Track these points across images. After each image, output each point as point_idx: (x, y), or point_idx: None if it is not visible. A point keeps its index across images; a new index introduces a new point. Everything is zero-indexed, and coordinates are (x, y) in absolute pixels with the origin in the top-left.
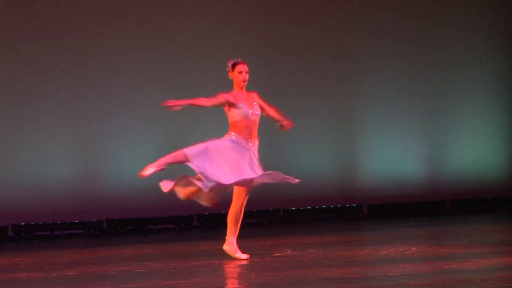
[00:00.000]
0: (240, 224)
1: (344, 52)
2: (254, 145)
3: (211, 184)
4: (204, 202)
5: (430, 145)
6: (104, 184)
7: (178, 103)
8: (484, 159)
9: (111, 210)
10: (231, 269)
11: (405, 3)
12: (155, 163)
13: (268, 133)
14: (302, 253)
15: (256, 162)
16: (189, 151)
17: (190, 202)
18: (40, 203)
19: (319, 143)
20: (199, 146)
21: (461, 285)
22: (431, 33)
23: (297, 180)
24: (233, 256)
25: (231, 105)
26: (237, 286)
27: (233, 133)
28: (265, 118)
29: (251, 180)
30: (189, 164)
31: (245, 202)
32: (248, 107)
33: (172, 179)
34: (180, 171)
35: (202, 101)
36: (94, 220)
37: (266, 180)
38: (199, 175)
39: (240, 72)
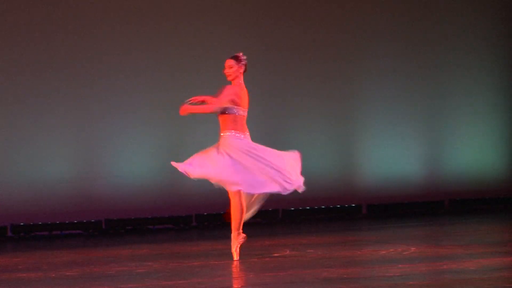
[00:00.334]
0: (243, 217)
1: (342, 52)
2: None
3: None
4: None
5: (429, 145)
6: (103, 184)
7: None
8: (483, 159)
9: (110, 210)
10: (230, 269)
11: (404, 3)
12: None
13: (266, 132)
14: (301, 253)
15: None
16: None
17: (189, 201)
18: (39, 203)
19: (318, 143)
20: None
21: (460, 285)
22: (430, 33)
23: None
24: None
25: None
26: (236, 286)
27: (232, 131)
28: (250, 116)
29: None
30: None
31: (241, 194)
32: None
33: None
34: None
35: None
36: (93, 220)
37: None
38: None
39: (225, 68)
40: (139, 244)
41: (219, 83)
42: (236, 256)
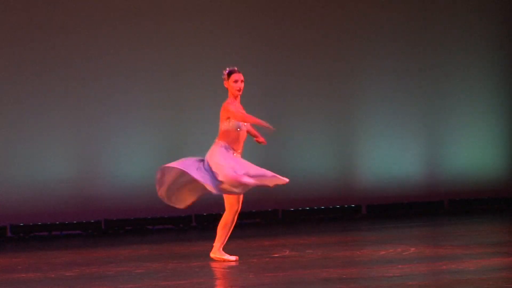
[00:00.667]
0: (230, 233)
1: (342, 52)
2: (238, 155)
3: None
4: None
5: (429, 145)
6: (102, 184)
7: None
8: (483, 159)
9: (110, 211)
10: (229, 270)
11: (404, 3)
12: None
13: (266, 133)
14: (300, 254)
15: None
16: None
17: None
18: (39, 204)
19: (317, 143)
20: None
21: (460, 285)
22: (429, 33)
23: (286, 180)
24: (222, 259)
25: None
26: (235, 286)
27: (221, 142)
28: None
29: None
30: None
31: (239, 210)
32: None
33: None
34: None
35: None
36: (92, 221)
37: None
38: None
39: (236, 81)
40: (138, 244)
41: (219, 83)
42: (232, 256)
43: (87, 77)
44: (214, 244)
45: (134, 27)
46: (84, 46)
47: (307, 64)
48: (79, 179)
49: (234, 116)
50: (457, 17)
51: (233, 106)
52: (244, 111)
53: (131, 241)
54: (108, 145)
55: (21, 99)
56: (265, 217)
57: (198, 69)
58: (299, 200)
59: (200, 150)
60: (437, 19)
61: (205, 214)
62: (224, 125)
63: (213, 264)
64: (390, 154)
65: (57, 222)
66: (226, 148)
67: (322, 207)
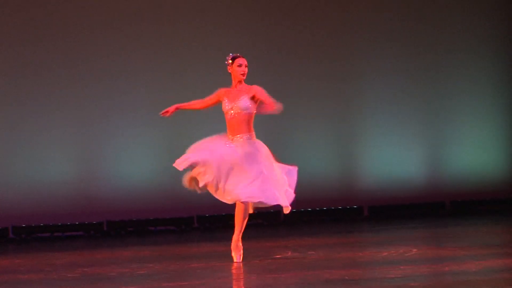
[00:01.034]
0: (246, 222)
1: (343, 53)
2: (238, 141)
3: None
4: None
5: (430, 146)
6: (104, 185)
7: (170, 110)
8: (484, 160)
9: (112, 212)
10: (231, 271)
11: (406, 4)
12: None
13: (267, 134)
14: (302, 255)
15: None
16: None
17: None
18: (40, 205)
19: (319, 144)
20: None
21: (462, 286)
22: (431, 35)
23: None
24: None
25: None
26: None
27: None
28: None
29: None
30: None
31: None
32: (230, 102)
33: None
34: None
35: (196, 104)
36: (94, 222)
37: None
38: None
39: (240, 65)
40: (140, 245)
41: (220, 83)
42: (236, 257)
43: (88, 78)
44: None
45: (135, 28)
46: (85, 48)
47: (308, 65)
48: (81, 180)
49: (270, 102)
50: (458, 18)
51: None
52: (216, 94)
53: (133, 242)
54: (110, 146)
55: (22, 101)
56: (267, 218)
57: (199, 70)
58: (301, 201)
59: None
60: (437, 20)
61: (207, 215)
62: (251, 111)
63: (215, 266)
64: (392, 155)
65: (59, 223)
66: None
67: (324, 208)
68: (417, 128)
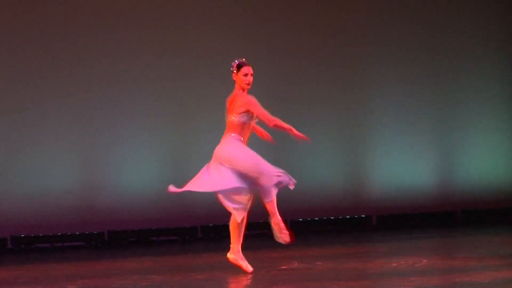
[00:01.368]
0: (244, 231)
1: (351, 60)
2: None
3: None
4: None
5: (440, 154)
6: (106, 194)
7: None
8: (496, 168)
9: (113, 222)
10: (236, 282)
11: (415, 10)
12: None
13: (275, 141)
14: (309, 266)
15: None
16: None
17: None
18: (40, 214)
19: (326, 152)
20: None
21: None
22: (441, 41)
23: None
24: (238, 264)
25: None
26: None
27: (236, 135)
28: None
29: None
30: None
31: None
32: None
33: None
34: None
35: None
36: (95, 232)
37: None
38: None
39: (246, 75)
40: (142, 256)
41: (223, 90)
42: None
43: (90, 86)
44: (231, 246)
45: (139, 34)
46: (88, 55)
47: (315, 71)
48: (82, 189)
49: (263, 114)
50: (468, 25)
51: (259, 104)
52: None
53: (135, 253)
54: (112, 154)
55: (24, 108)
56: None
57: (204, 77)
58: (308, 211)
59: (205, 159)
60: (448, 27)
61: (211, 225)
62: (239, 118)
63: (219, 276)
64: (400, 163)
65: (59, 233)
66: (241, 141)
67: (332, 218)
68: (426, 135)
